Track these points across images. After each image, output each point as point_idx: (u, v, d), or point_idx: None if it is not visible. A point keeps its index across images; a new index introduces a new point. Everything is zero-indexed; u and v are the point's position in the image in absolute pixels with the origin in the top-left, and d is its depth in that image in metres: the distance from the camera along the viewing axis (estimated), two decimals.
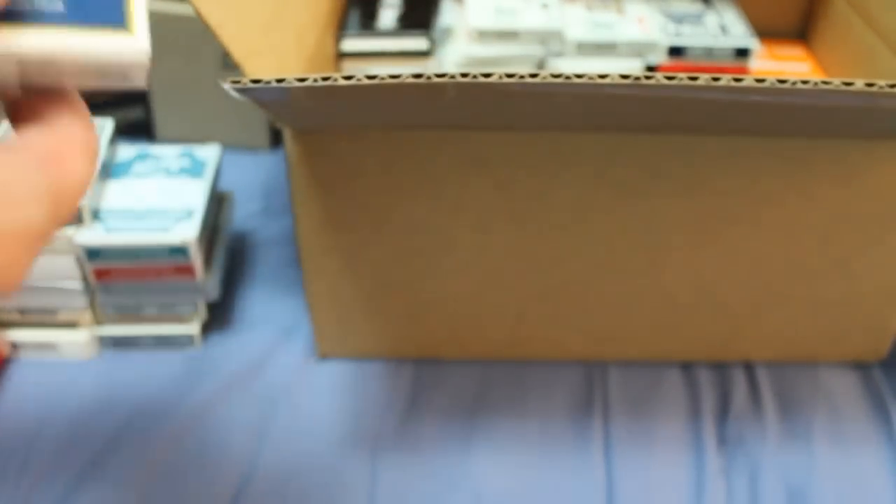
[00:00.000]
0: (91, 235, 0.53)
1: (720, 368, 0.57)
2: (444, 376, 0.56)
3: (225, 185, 0.63)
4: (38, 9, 0.26)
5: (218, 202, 0.61)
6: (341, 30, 0.65)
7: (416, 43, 0.65)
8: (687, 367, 0.57)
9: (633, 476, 0.50)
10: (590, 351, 0.56)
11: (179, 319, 0.57)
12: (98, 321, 0.57)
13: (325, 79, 0.36)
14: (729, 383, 0.56)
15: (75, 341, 0.56)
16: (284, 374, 0.56)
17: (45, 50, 0.26)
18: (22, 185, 0.24)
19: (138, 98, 0.70)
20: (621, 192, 0.48)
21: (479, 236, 0.50)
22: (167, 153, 0.59)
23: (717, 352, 0.56)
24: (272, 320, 0.60)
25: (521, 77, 0.36)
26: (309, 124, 0.46)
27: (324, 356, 0.57)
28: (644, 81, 0.36)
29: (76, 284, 0.54)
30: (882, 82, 0.36)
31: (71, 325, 0.57)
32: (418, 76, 0.37)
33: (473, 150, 0.46)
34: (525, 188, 0.47)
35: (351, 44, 0.64)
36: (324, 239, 0.50)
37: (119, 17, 0.27)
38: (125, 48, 0.27)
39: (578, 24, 0.64)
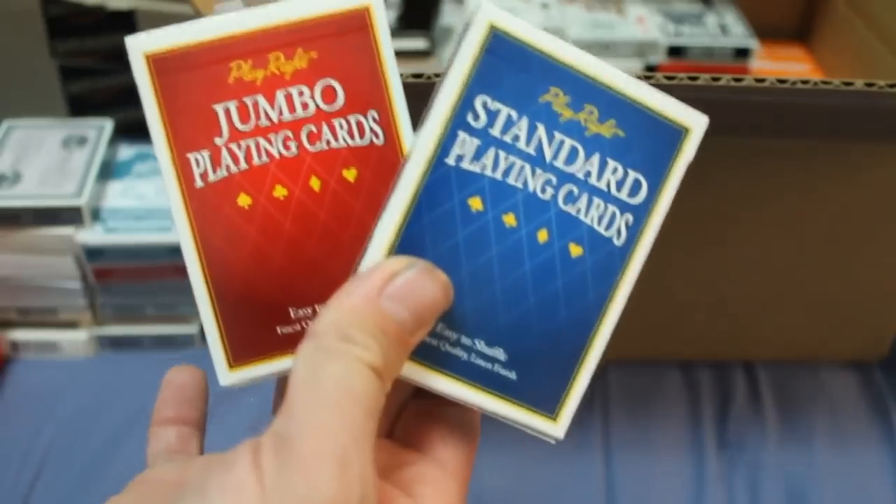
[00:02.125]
0: (91, 235, 0.53)
1: (720, 368, 0.56)
2: None
3: None
4: (486, 368, 0.27)
5: None
6: None
7: (416, 43, 0.65)
8: (687, 367, 0.57)
9: (633, 476, 0.50)
10: None
11: (179, 319, 0.57)
12: (98, 321, 0.57)
13: None
14: (729, 383, 0.55)
15: (75, 341, 0.56)
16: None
17: (467, 401, 0.28)
18: None
19: (138, 98, 0.70)
20: None
21: None
22: None
23: (717, 352, 0.56)
24: None
25: None
26: None
27: None
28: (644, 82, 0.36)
29: (76, 284, 0.54)
30: (882, 82, 0.36)
31: (71, 325, 0.56)
32: (418, 76, 0.37)
33: None
34: None
35: None
36: None
37: (552, 407, 0.28)
38: (542, 428, 0.28)
39: (578, 24, 0.64)
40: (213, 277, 0.28)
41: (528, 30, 0.27)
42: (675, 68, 0.63)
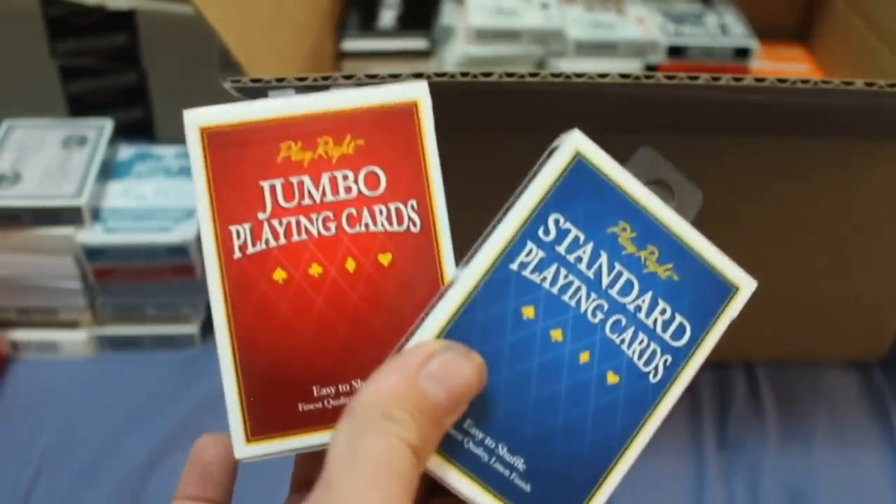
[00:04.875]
0: (91, 235, 0.53)
1: (720, 368, 0.56)
2: None
3: None
4: (503, 474, 0.27)
5: None
6: (341, 30, 0.65)
7: (416, 43, 0.65)
8: None
9: (633, 476, 0.50)
10: None
11: (179, 319, 0.57)
12: (98, 321, 0.57)
13: (325, 78, 0.36)
14: (729, 383, 0.55)
15: (75, 341, 0.56)
16: None
17: (475, 501, 0.27)
18: None
19: (138, 98, 0.70)
20: None
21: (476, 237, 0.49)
22: (167, 153, 0.59)
23: (717, 352, 0.56)
24: None
25: (521, 77, 0.36)
26: None
27: None
28: (644, 81, 0.36)
29: (76, 284, 0.54)
30: (882, 82, 0.36)
31: (71, 325, 0.56)
32: (418, 76, 0.37)
33: (473, 151, 0.46)
34: None
35: (351, 44, 0.64)
36: None
37: None
38: None
39: (578, 24, 0.64)
40: (241, 348, 0.28)
41: (608, 162, 0.29)
42: (675, 68, 0.63)
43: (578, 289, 0.28)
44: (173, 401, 0.54)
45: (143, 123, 0.72)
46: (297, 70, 0.52)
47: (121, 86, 0.68)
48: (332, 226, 0.28)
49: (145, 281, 0.55)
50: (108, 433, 0.52)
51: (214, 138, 0.28)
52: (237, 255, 0.28)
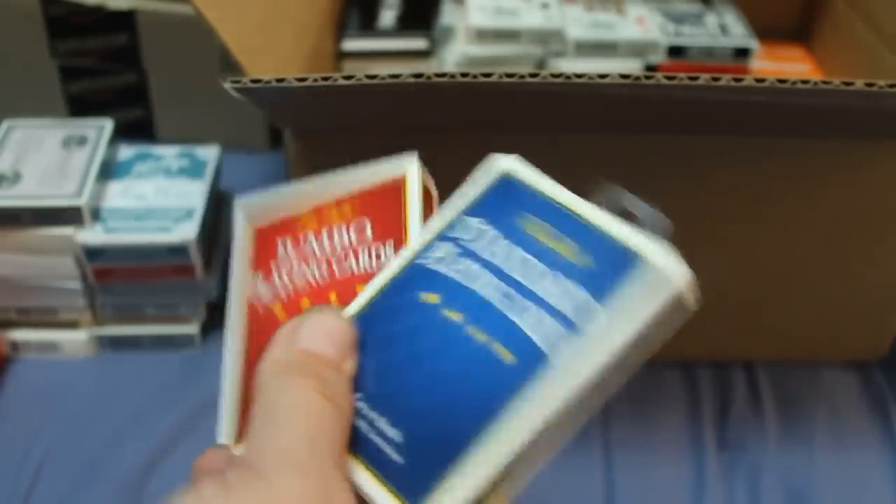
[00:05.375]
0: (91, 235, 0.53)
1: (720, 368, 0.56)
2: None
3: (225, 185, 0.63)
4: (378, 445, 0.27)
5: (218, 202, 0.61)
6: (341, 30, 0.65)
7: (416, 43, 0.65)
8: (687, 367, 0.57)
9: (633, 476, 0.50)
10: None
11: (179, 319, 0.57)
12: (98, 321, 0.57)
13: (325, 79, 0.37)
14: (729, 383, 0.55)
15: (75, 341, 0.56)
16: None
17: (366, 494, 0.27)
18: None
19: (138, 98, 0.70)
20: None
21: None
22: (167, 153, 0.59)
23: (717, 352, 0.56)
24: None
25: (521, 77, 0.36)
26: (309, 124, 0.46)
27: None
28: (644, 81, 0.36)
29: (76, 284, 0.54)
30: (882, 82, 0.36)
31: (71, 325, 0.56)
32: (418, 76, 0.37)
33: (473, 151, 0.46)
34: None
35: (351, 44, 0.64)
36: None
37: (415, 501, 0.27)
38: None
39: (578, 24, 0.64)
40: (247, 364, 0.33)
41: (538, 176, 0.31)
42: (675, 68, 0.63)
43: (487, 279, 0.28)
44: (173, 401, 0.54)
45: (143, 123, 0.72)
46: (297, 70, 0.52)
47: (121, 86, 0.68)
48: (325, 270, 0.34)
49: (145, 281, 0.55)
50: (108, 433, 0.52)
51: (260, 233, 0.36)
52: (251, 293, 0.35)
